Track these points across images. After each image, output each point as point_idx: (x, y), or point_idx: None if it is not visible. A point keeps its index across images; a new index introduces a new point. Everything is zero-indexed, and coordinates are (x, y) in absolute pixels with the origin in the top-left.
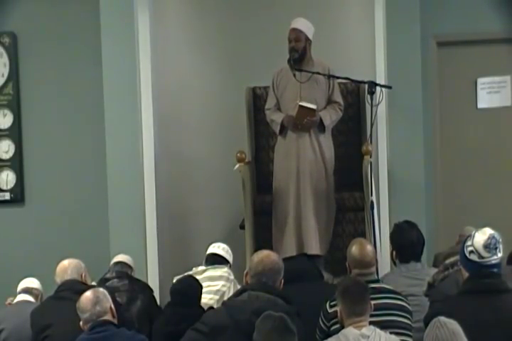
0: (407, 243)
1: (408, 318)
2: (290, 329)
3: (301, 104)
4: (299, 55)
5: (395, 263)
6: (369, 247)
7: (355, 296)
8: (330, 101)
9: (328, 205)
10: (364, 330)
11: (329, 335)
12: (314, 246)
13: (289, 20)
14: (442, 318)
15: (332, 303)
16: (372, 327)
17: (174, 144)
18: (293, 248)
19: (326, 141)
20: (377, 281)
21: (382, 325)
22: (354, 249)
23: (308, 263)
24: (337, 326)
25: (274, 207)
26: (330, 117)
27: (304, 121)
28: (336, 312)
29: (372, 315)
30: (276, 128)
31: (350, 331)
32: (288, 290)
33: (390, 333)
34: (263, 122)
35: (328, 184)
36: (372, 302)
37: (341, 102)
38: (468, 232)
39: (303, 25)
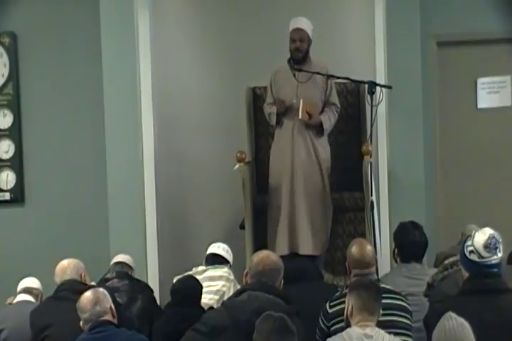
0: (408, 243)
1: (408, 318)
2: (290, 330)
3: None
4: (303, 55)
5: (395, 261)
6: (369, 247)
7: (370, 292)
8: (327, 103)
9: (325, 205)
10: (368, 330)
11: (329, 335)
12: (307, 246)
13: (289, 20)
14: (453, 313)
15: (332, 303)
16: (376, 328)
17: (174, 144)
18: (285, 247)
19: (322, 142)
20: (377, 281)
21: (382, 325)
22: (354, 249)
23: (308, 263)
24: (337, 326)
25: (269, 205)
26: (329, 120)
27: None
28: (336, 312)
29: None
30: (274, 119)
31: (354, 330)
32: (288, 290)
33: (390, 333)
34: (263, 122)
35: (324, 184)
36: None
37: (338, 104)
38: (470, 230)
39: (305, 24)
